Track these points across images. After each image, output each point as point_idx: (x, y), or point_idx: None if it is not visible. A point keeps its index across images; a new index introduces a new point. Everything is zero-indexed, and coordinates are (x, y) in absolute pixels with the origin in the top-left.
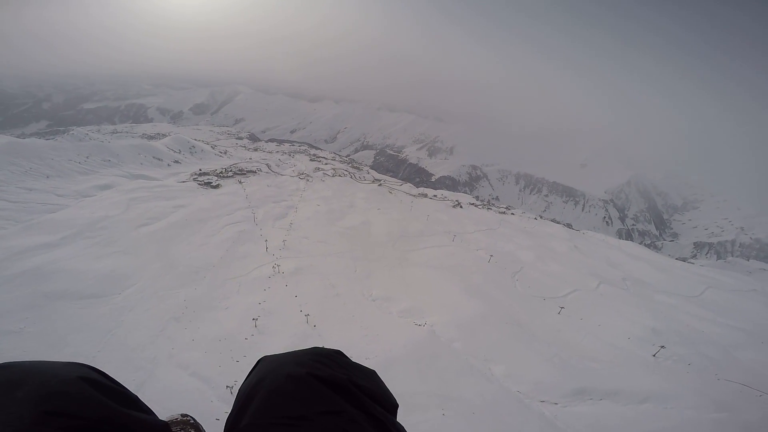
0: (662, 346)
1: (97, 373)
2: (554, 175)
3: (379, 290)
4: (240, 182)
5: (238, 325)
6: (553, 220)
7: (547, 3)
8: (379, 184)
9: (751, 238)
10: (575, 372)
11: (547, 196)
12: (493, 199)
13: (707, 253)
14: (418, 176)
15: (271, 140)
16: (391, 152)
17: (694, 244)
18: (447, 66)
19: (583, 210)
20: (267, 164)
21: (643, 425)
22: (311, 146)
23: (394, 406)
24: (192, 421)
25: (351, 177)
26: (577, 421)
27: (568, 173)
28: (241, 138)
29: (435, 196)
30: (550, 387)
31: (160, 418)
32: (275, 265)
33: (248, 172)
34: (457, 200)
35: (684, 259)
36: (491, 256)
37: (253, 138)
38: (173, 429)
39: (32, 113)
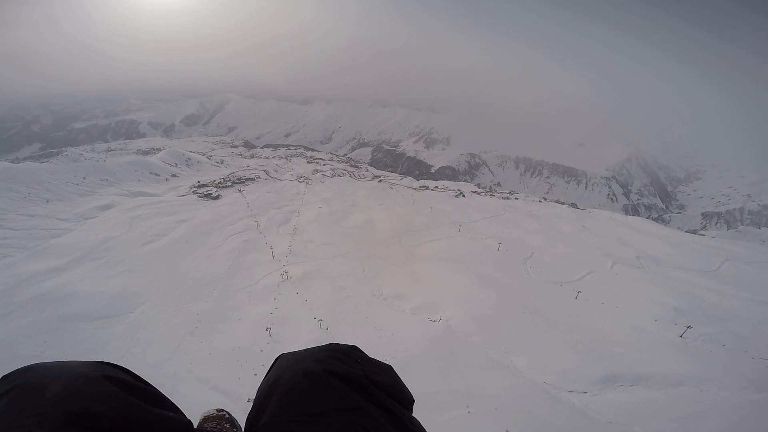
0: (689, 326)
1: (122, 371)
2: (554, 156)
3: (389, 289)
4: (240, 191)
5: (253, 335)
6: (557, 201)
7: None
8: (379, 181)
9: (759, 204)
10: (601, 358)
11: (548, 177)
12: (494, 185)
13: (716, 223)
14: (417, 169)
15: (267, 146)
16: (388, 147)
17: (702, 214)
18: (436, 57)
19: (586, 189)
20: (265, 170)
21: (680, 409)
22: (307, 148)
23: (410, 401)
24: (227, 416)
25: (350, 176)
26: (610, 409)
27: (568, 154)
28: (236, 146)
29: (436, 187)
30: (577, 376)
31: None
32: (283, 272)
33: (247, 180)
34: (459, 190)
35: (694, 231)
36: (500, 243)
37: (248, 145)
38: (209, 424)
39: (23, 136)
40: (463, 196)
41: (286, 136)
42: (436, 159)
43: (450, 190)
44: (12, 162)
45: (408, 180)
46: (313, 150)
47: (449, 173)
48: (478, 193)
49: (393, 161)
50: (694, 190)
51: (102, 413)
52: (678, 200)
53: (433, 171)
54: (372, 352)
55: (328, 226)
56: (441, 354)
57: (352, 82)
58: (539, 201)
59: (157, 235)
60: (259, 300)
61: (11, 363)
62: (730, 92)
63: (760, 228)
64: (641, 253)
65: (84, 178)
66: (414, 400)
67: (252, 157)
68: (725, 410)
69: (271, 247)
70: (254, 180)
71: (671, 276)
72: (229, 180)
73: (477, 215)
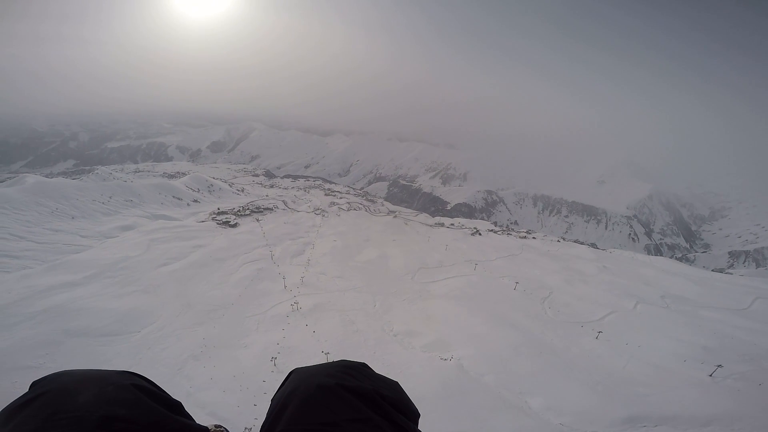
0: (719, 365)
1: (145, 381)
2: (572, 194)
3: (400, 325)
4: (257, 220)
5: (257, 363)
6: (576, 241)
7: (545, 25)
8: (394, 216)
9: None
10: (623, 399)
11: (567, 216)
12: (511, 223)
13: (744, 261)
14: (433, 205)
15: (287, 176)
16: (404, 182)
17: (729, 253)
18: (455, 90)
19: (606, 228)
20: (283, 201)
21: None
22: (326, 181)
23: (416, 415)
24: None
25: (366, 210)
26: None
27: (587, 191)
28: (257, 175)
29: (452, 224)
30: (596, 416)
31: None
32: (294, 303)
33: (265, 209)
34: (475, 227)
35: (721, 270)
36: (517, 282)
37: (269, 174)
38: None
39: (60, 152)
40: (480, 234)
41: (306, 167)
42: (453, 195)
43: (466, 227)
44: (46, 176)
45: (423, 216)
46: (330, 182)
47: (465, 210)
48: (495, 232)
49: (409, 197)
50: (720, 229)
51: (131, 418)
52: (703, 239)
53: (449, 208)
54: None
55: (341, 259)
56: (452, 394)
57: (372, 114)
58: (558, 241)
59: (172, 258)
60: (267, 329)
61: (9, 373)
62: (753, 129)
63: None
64: (666, 292)
65: (110, 197)
66: (420, 414)
67: (272, 186)
68: None
69: (284, 278)
70: (272, 210)
71: (699, 315)
72: (248, 209)
73: (493, 254)
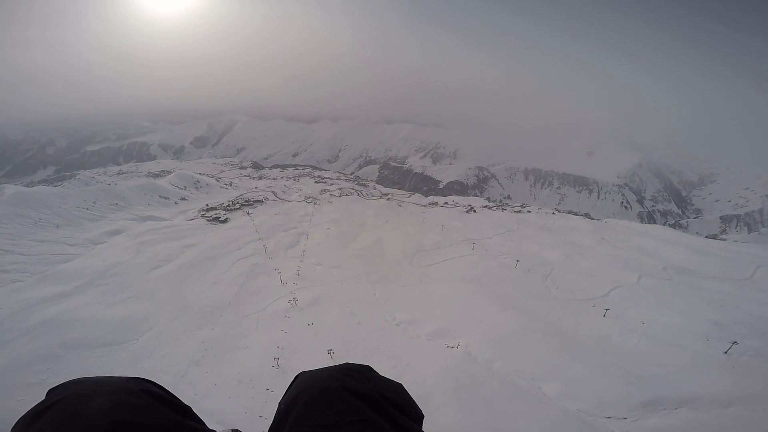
0: (734, 342)
1: (156, 386)
2: (563, 166)
3: (402, 313)
4: (248, 213)
5: (260, 365)
6: (570, 212)
7: (541, 3)
8: (387, 199)
9: None
10: (640, 381)
11: (559, 188)
12: (505, 198)
13: (736, 226)
14: (425, 185)
15: (275, 166)
16: (395, 164)
17: (721, 218)
18: (445, 74)
19: (599, 198)
20: (273, 192)
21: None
22: (315, 168)
23: (420, 417)
24: None
25: (358, 195)
26: None
27: (577, 163)
28: (244, 167)
29: (446, 203)
30: (615, 401)
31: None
32: (292, 299)
33: (255, 202)
34: (469, 204)
35: (714, 236)
36: (517, 261)
37: (256, 166)
38: None
39: (38, 159)
40: (474, 211)
41: (294, 155)
42: (444, 174)
43: (460, 205)
44: (27, 186)
45: (416, 197)
46: (320, 169)
47: (458, 188)
48: (489, 208)
49: (400, 178)
50: (710, 194)
51: (143, 423)
52: (694, 204)
53: (441, 186)
54: None
55: (336, 248)
56: (462, 384)
57: (359, 102)
58: (553, 213)
59: (164, 260)
60: (267, 327)
61: (13, 391)
62: (738, 94)
63: None
64: (667, 263)
65: (94, 202)
66: (423, 416)
67: (260, 178)
68: None
69: (280, 272)
70: (262, 202)
71: (703, 287)
72: (238, 202)
73: (490, 231)
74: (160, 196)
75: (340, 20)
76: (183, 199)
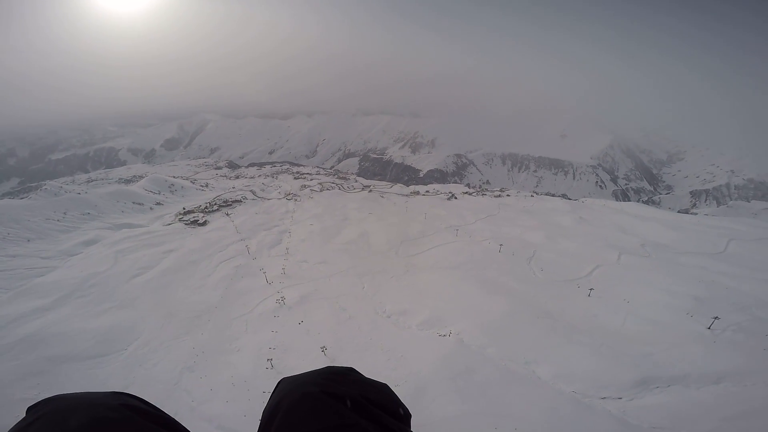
0: (716, 317)
1: (137, 400)
2: (538, 149)
3: (392, 305)
4: (227, 214)
5: (254, 367)
6: (548, 194)
7: None
8: (369, 191)
9: (743, 179)
10: (630, 360)
11: (536, 171)
12: (484, 183)
13: (705, 200)
14: (406, 174)
15: (252, 164)
16: (375, 156)
17: (691, 193)
18: (419, 64)
19: (574, 179)
20: (251, 191)
21: (728, 408)
22: (293, 164)
23: (407, 416)
24: None
25: (339, 188)
26: (650, 414)
27: (551, 146)
28: (219, 167)
29: (427, 191)
30: (608, 381)
31: None
32: (279, 298)
33: (234, 202)
34: (450, 192)
35: (686, 210)
36: (501, 245)
37: (232, 165)
38: None
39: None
40: (455, 198)
41: (270, 153)
42: (424, 163)
43: (441, 193)
44: None
45: (398, 187)
46: (299, 165)
47: (438, 176)
48: (470, 194)
49: (381, 169)
50: (679, 170)
51: None
52: (664, 181)
53: (421, 175)
54: (382, 378)
55: (321, 243)
56: (457, 372)
57: (334, 95)
58: (531, 196)
59: (144, 267)
60: (257, 329)
61: (5, 408)
62: (701, 74)
63: (749, 201)
64: (644, 240)
65: (65, 213)
66: (411, 415)
67: (237, 177)
68: None
69: (264, 272)
70: (241, 202)
71: (681, 263)
72: (216, 204)
73: (472, 217)
74: (134, 203)
75: (305, 15)
76: (158, 203)
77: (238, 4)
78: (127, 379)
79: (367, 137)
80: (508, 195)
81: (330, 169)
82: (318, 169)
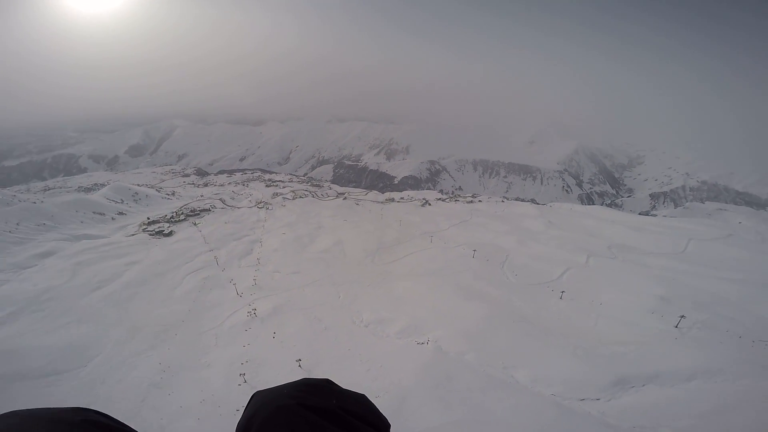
0: (682, 316)
1: (102, 416)
2: (508, 156)
3: (369, 314)
4: (194, 224)
5: (226, 382)
6: (517, 199)
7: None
8: (344, 198)
9: (697, 181)
10: (605, 361)
11: (505, 177)
12: (456, 189)
13: (664, 202)
14: (381, 181)
15: (221, 172)
16: (350, 162)
17: (650, 195)
18: (396, 72)
19: (542, 184)
20: (221, 199)
21: (702, 405)
22: (265, 171)
23: (386, 426)
24: None
25: (313, 196)
26: (628, 413)
27: (520, 152)
28: (187, 175)
29: (402, 198)
30: (585, 382)
31: None
32: (251, 311)
33: (202, 211)
34: (424, 198)
35: (647, 212)
36: (474, 250)
37: (200, 173)
38: None
39: None
40: (429, 204)
41: (241, 160)
42: (398, 170)
43: (415, 199)
44: None
45: (373, 194)
46: (271, 172)
47: (412, 182)
48: (443, 200)
49: (356, 176)
50: (639, 174)
51: None
52: (626, 185)
53: (396, 182)
54: (362, 389)
55: (294, 252)
56: (438, 381)
57: (309, 101)
58: (502, 201)
59: (105, 280)
60: (227, 342)
61: None
62: (658, 80)
63: (704, 203)
64: (611, 242)
65: (18, 223)
66: (390, 425)
67: (206, 185)
68: (751, 399)
69: (234, 283)
70: (210, 210)
71: (646, 263)
72: (182, 213)
73: (445, 223)
74: (94, 212)
75: (282, 19)
76: (121, 213)
77: (212, 6)
78: (88, 397)
79: (341, 144)
80: (480, 201)
81: (303, 176)
82: (291, 177)
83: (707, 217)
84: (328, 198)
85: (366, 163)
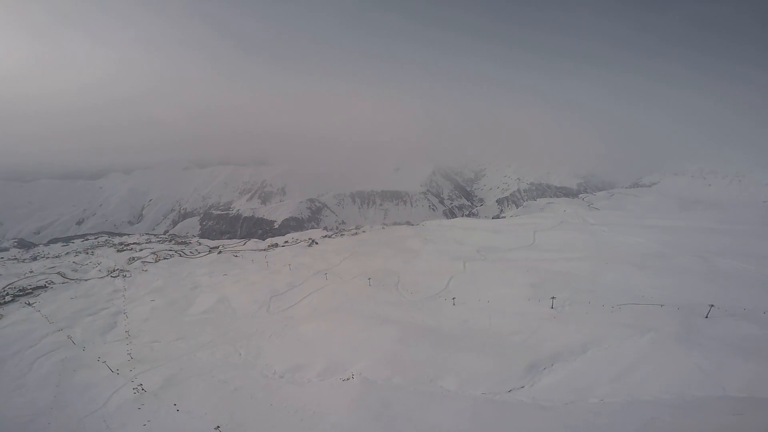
0: (553, 297)
1: None
2: (380, 184)
3: (280, 364)
4: (28, 304)
5: None
6: (395, 224)
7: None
8: (219, 252)
9: (527, 183)
10: (511, 352)
11: (381, 204)
12: (340, 224)
13: (508, 205)
14: (259, 228)
15: (54, 240)
16: (219, 212)
17: (497, 201)
18: (263, 111)
19: (412, 206)
20: (59, 272)
21: (611, 370)
22: (113, 234)
23: None
24: None
25: (180, 255)
26: (555, 393)
27: (389, 179)
28: (6, 249)
29: (286, 242)
30: (504, 375)
31: None
32: (136, 387)
33: (35, 288)
34: (310, 238)
35: (498, 216)
36: (369, 278)
37: (24, 244)
38: None
39: None
40: (316, 243)
41: (79, 223)
42: (277, 213)
43: (301, 240)
44: None
45: (253, 242)
46: (121, 234)
47: (294, 224)
48: (330, 236)
49: (229, 226)
50: (484, 185)
51: None
52: (477, 195)
53: (277, 226)
54: None
55: (171, 318)
56: (376, 411)
57: (158, 147)
58: (382, 228)
59: None
60: (121, 423)
61: None
62: (479, 96)
63: (536, 200)
64: (478, 246)
65: None
66: None
67: (35, 258)
68: (646, 355)
69: (104, 361)
70: (47, 287)
71: (509, 258)
72: (9, 294)
73: (336, 258)
74: None
75: (101, 53)
76: None
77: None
78: None
79: (205, 192)
80: (364, 231)
81: (164, 234)
82: (148, 237)
83: (541, 211)
84: (199, 255)
85: (239, 210)
